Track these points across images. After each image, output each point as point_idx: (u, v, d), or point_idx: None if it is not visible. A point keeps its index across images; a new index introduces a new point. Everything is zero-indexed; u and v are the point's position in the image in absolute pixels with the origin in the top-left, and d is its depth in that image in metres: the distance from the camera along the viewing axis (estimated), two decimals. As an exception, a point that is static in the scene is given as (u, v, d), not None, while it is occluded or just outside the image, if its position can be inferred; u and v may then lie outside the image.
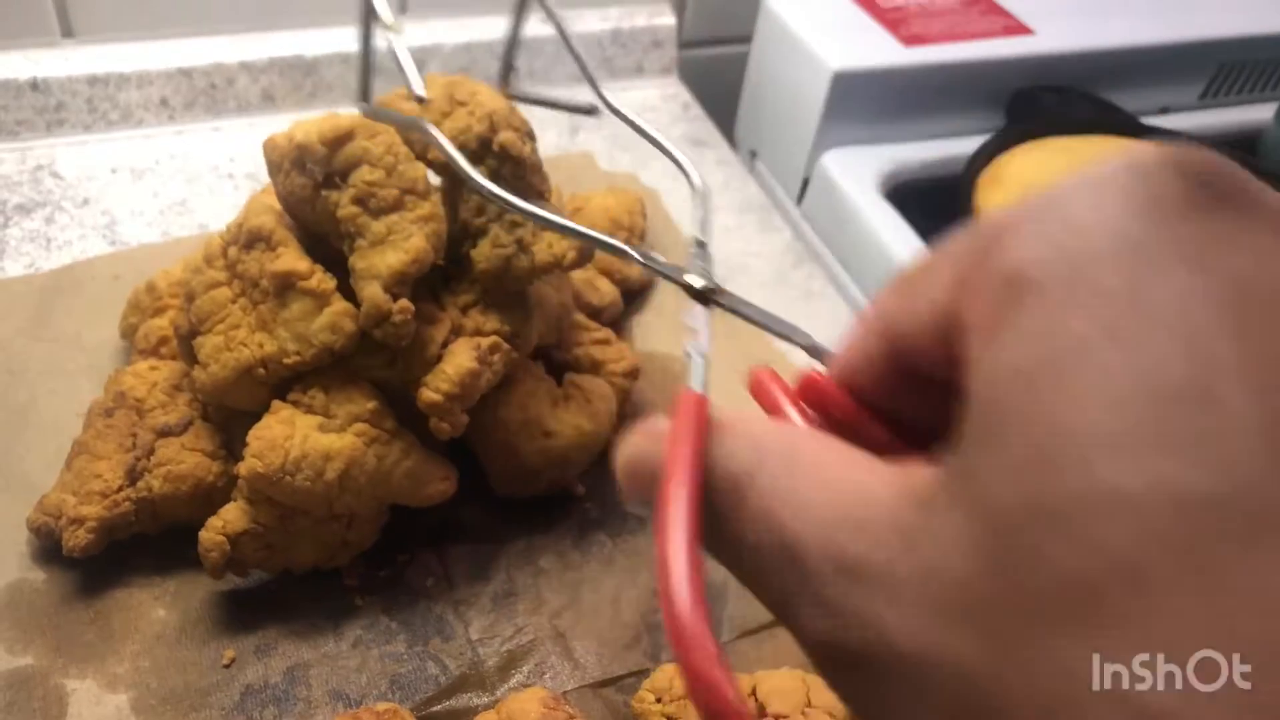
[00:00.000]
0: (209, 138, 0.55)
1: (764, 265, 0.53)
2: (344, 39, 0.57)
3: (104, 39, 0.53)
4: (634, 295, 0.48)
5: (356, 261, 0.32)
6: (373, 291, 0.31)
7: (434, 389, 0.32)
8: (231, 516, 0.32)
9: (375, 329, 0.31)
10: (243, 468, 0.31)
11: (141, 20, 0.54)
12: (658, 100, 0.63)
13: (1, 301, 0.42)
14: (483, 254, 0.34)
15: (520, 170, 0.33)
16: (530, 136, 0.34)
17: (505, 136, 0.33)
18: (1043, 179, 0.53)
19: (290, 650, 0.33)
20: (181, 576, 0.34)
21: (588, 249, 0.34)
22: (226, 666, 0.33)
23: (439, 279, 0.35)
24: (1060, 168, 0.54)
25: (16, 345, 0.40)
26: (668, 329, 0.47)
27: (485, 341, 0.33)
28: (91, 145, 0.53)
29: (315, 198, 0.32)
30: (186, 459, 0.34)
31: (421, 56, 0.58)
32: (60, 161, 0.52)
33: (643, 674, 0.34)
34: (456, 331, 0.34)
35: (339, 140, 0.32)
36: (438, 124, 0.33)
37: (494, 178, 0.33)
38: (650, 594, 0.36)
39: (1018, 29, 0.60)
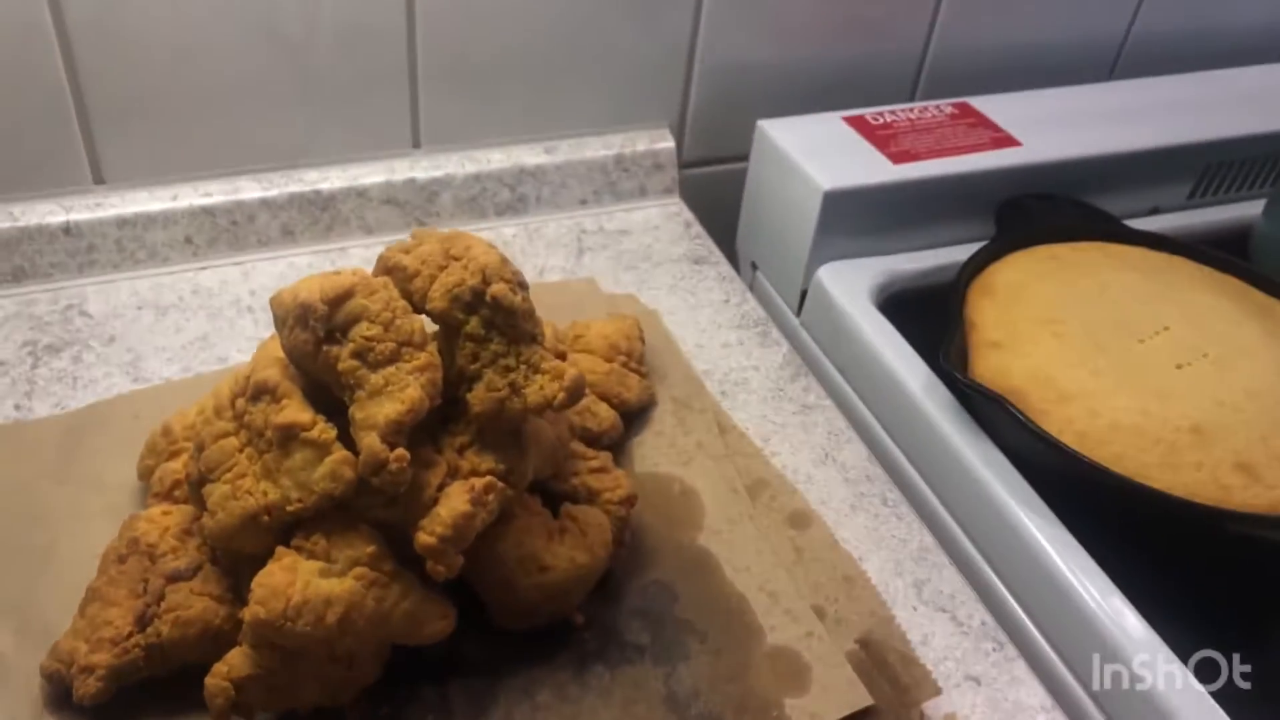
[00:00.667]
0: (231, 273, 0.57)
1: (762, 379, 0.54)
2: (357, 175, 0.60)
3: (133, 184, 0.57)
4: (633, 417, 0.49)
5: (356, 412, 0.33)
6: (370, 441, 0.33)
7: (429, 533, 0.33)
8: (236, 662, 0.33)
9: (373, 477, 0.33)
10: (246, 614, 0.33)
11: (168, 165, 0.57)
12: (660, 220, 0.65)
13: (26, 444, 0.44)
14: (477, 397, 0.35)
15: (512, 319, 0.35)
16: (522, 286, 0.36)
17: (497, 288, 0.34)
18: (1031, 286, 0.54)
19: (292, 794, 0.34)
20: (188, 719, 0.35)
21: (578, 390, 0.35)
22: (230, 812, 0.33)
23: (437, 421, 0.36)
24: (1048, 274, 0.55)
25: (39, 488, 0.42)
26: (667, 450, 0.48)
27: (480, 483, 0.35)
28: (120, 284, 0.56)
29: (317, 352, 0.34)
30: (195, 604, 0.35)
31: (434, 188, 0.61)
32: (90, 300, 0.55)
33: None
34: (453, 473, 0.35)
35: (339, 298, 0.34)
36: (433, 278, 0.35)
37: (488, 327, 0.35)
38: (648, 727, 0.36)
39: (1006, 141, 0.63)
